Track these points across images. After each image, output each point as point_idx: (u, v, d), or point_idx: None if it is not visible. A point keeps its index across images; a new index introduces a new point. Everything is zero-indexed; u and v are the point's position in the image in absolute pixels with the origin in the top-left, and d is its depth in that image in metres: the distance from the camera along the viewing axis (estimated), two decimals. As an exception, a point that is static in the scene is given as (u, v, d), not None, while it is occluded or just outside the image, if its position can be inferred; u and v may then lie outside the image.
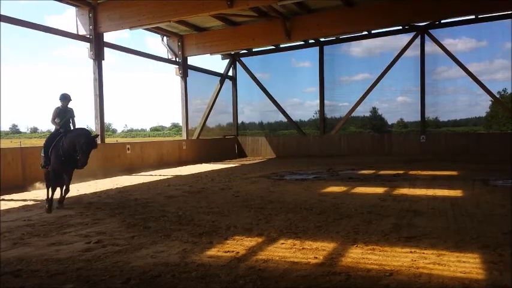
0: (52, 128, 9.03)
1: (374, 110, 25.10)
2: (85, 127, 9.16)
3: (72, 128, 8.79)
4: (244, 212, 7.72)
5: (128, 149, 16.42)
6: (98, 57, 15.73)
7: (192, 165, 18.69)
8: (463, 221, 6.64)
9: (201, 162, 19.90)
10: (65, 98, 8.78)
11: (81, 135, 8.07)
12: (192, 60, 21.68)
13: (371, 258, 4.87)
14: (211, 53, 21.36)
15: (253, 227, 6.55)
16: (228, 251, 5.24)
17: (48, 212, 7.94)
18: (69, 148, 8.02)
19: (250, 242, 5.70)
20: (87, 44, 15.72)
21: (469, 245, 5.27)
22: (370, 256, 4.96)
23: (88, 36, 15.65)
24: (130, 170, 15.74)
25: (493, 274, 4.27)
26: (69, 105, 8.94)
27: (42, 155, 8.51)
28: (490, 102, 22.56)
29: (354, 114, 22.98)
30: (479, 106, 22.82)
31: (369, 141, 22.05)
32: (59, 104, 8.82)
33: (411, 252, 5.06)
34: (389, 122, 25.59)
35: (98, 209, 8.31)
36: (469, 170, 13.87)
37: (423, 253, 4.99)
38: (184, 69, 20.83)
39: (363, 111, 24.11)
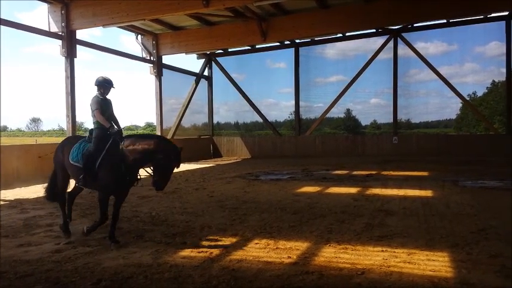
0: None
1: (348, 112, 25.41)
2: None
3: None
4: (219, 212, 7.70)
5: (101, 148, 16.10)
6: (70, 54, 15.38)
7: (166, 165, 18.50)
8: (433, 220, 6.79)
9: (175, 162, 19.70)
10: (107, 84, 6.09)
11: (167, 148, 5.42)
12: (167, 59, 21.49)
13: (343, 257, 4.93)
14: (186, 52, 21.20)
15: (228, 227, 6.54)
16: (202, 252, 5.21)
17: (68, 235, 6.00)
18: (136, 162, 5.51)
19: (224, 242, 5.69)
20: (59, 41, 15.40)
21: (439, 244, 5.40)
22: (343, 255, 5.02)
23: (60, 33, 15.30)
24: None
25: (462, 272, 4.38)
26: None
27: (76, 163, 5.74)
28: (461, 105, 23.14)
29: (328, 115, 23.23)
30: (450, 108, 23.42)
31: (343, 142, 22.31)
32: (95, 91, 6.13)
33: (383, 251, 5.14)
34: (363, 124, 25.97)
35: (68, 210, 8.13)
36: (439, 170, 14.18)
37: (394, 252, 5.09)
38: (159, 68, 20.61)
39: (338, 112, 24.41)
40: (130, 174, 5.58)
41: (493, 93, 30.82)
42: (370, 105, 24.07)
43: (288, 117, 25.71)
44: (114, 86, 6.19)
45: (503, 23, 19.15)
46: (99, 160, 5.52)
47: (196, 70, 24.22)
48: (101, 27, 15.76)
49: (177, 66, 22.58)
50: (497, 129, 21.56)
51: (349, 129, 25.83)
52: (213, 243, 5.61)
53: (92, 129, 5.97)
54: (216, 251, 5.25)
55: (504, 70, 19.68)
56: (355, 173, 14.18)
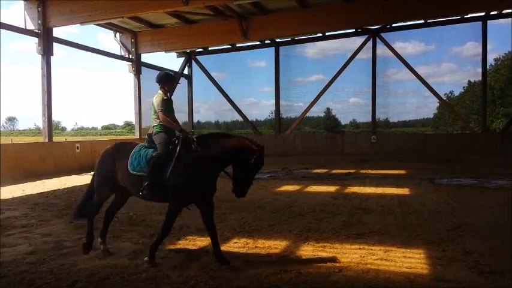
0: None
1: (328, 111, 25.56)
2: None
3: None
4: (198, 212, 7.62)
5: (77, 148, 15.89)
6: (46, 52, 15.11)
7: (145, 165, 18.31)
8: (410, 218, 6.90)
9: (155, 162, 19.50)
10: (171, 79, 5.38)
11: (249, 148, 4.71)
12: (146, 58, 21.25)
13: (322, 255, 4.96)
14: (166, 51, 20.99)
15: (207, 226, 6.50)
16: (180, 252, 5.18)
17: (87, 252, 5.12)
18: (215, 164, 4.83)
19: (202, 241, 5.67)
20: (36, 39, 15.11)
21: (415, 242, 5.49)
22: (321, 253, 5.06)
23: (36, 30, 15.02)
24: (80, 170, 15.24)
25: (437, 269, 4.46)
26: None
27: (139, 173, 4.87)
28: (437, 104, 23.50)
29: (308, 114, 23.29)
30: (427, 108, 23.74)
31: (323, 141, 22.39)
32: (158, 90, 5.34)
33: (360, 248, 5.20)
34: (342, 123, 26.14)
35: (44, 210, 8.00)
36: (416, 169, 14.41)
37: (371, 249, 5.14)
38: (138, 66, 20.37)
39: (317, 111, 24.51)
40: (211, 179, 4.86)
41: (469, 93, 31.49)
42: (349, 105, 24.25)
43: (269, 116, 25.74)
44: (179, 81, 5.39)
45: (479, 23, 19.48)
46: (171, 166, 4.75)
47: (176, 69, 24.04)
48: (79, 24, 15.51)
49: (156, 64, 22.39)
50: (473, 128, 21.99)
51: (329, 129, 26.00)
52: (191, 243, 5.59)
53: (150, 134, 5.24)
54: (194, 251, 5.22)
55: (480, 70, 20.03)
56: (334, 171, 14.29)
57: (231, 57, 24.34)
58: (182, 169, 4.71)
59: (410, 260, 4.74)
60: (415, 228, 6.15)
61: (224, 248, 5.34)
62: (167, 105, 5.22)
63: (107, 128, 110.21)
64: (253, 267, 4.59)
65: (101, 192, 5.27)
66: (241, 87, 24.87)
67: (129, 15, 15.51)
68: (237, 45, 22.64)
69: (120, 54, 20.12)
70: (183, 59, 24.18)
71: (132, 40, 20.09)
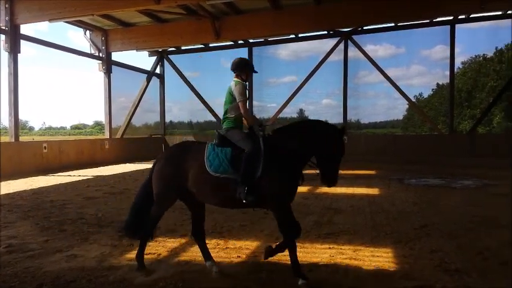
0: None
1: (301, 112, 25.73)
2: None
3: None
4: (168, 213, 7.47)
5: (45, 148, 15.48)
6: (13, 50, 14.68)
7: (115, 165, 18.00)
8: (379, 218, 7.01)
9: (125, 162, 19.21)
10: (250, 67, 5.02)
11: (327, 132, 4.52)
12: (117, 56, 20.91)
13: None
14: (137, 49, 20.70)
15: (177, 228, 6.45)
16: (150, 253, 5.11)
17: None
18: (301, 157, 4.49)
19: (173, 243, 5.62)
20: (2, 36, 14.66)
21: (383, 241, 5.58)
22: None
23: (3, 27, 14.58)
24: (47, 170, 14.84)
25: (404, 267, 4.55)
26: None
27: (224, 175, 4.32)
28: (407, 106, 23.96)
29: (281, 115, 23.38)
30: (397, 110, 24.20)
31: (295, 142, 22.43)
32: (233, 78, 5.09)
33: (330, 248, 5.25)
34: (315, 124, 26.33)
35: (9, 212, 7.75)
36: (386, 169, 14.66)
37: (341, 249, 5.21)
38: (108, 65, 20.01)
39: (290, 112, 24.62)
40: (300, 174, 4.49)
41: (438, 95, 32.32)
42: (322, 106, 24.46)
43: (242, 117, 25.72)
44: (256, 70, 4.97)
45: (447, 27, 19.98)
46: (260, 166, 4.26)
47: (148, 68, 23.76)
48: (47, 22, 15.14)
49: (127, 63, 22.06)
50: (441, 130, 22.53)
51: (301, 129, 26.15)
52: (161, 245, 5.52)
53: (219, 132, 4.69)
54: (164, 252, 5.17)
55: (448, 73, 20.53)
56: (305, 171, 14.36)
57: (204, 57, 24.18)
58: (275, 166, 4.30)
59: (379, 259, 4.82)
60: (384, 228, 6.26)
61: (194, 249, 5.29)
62: (246, 96, 4.70)
63: (76, 128, 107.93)
64: (224, 268, 4.57)
65: (164, 203, 4.59)
66: (214, 87, 24.72)
67: (100, 12, 15.25)
68: (210, 45, 22.54)
69: (90, 52, 19.73)
70: (154, 57, 23.90)
71: (103, 38, 19.75)
